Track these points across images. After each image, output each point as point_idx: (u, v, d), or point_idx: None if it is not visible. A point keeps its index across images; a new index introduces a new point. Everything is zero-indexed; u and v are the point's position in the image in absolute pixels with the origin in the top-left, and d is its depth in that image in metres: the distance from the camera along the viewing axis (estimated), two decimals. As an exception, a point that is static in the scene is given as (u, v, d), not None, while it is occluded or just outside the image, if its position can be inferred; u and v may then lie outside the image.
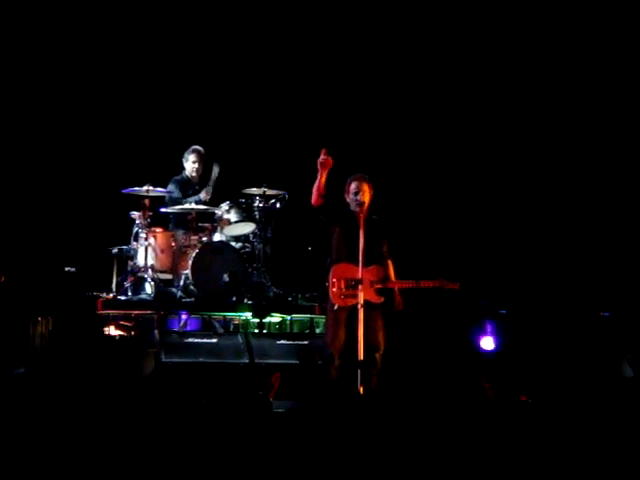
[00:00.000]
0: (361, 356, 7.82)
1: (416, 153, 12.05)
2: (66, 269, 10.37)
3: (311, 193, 8.17)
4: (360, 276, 7.92)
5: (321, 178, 8.09)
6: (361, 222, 7.99)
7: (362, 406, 7.19)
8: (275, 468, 5.67)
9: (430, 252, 11.25)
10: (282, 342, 9.55)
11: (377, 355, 8.04)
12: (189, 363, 9.11)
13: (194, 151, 10.84)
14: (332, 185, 8.29)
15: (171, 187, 10.73)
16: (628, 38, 11.63)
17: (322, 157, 8.07)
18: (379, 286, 8.07)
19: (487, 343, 9.43)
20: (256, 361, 9.22)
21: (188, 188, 10.78)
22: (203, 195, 10.61)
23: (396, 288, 8.16)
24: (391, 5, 12.00)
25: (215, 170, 10.69)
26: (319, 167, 8.07)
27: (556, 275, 11.29)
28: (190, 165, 10.85)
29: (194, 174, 10.85)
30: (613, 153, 11.75)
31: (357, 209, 8.14)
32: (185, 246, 10.39)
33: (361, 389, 7.71)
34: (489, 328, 9.48)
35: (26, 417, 6.37)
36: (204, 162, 10.87)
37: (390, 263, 8.28)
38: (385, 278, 8.13)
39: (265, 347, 9.43)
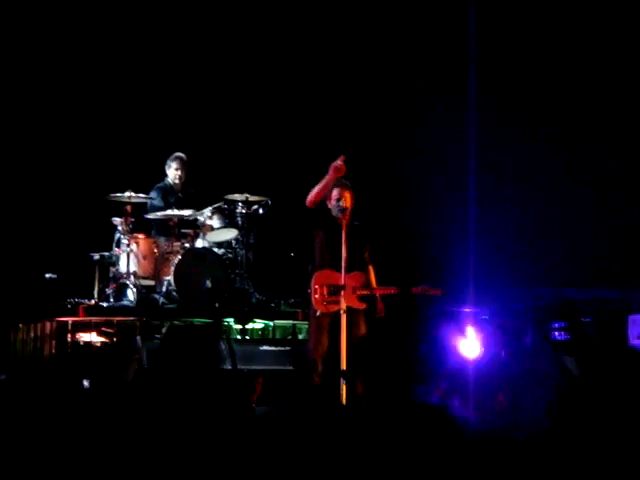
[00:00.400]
0: (344, 364, 7.83)
1: (396, 158, 12.08)
2: (47, 276, 10.34)
3: (301, 195, 8.17)
4: (343, 282, 7.94)
5: (329, 182, 8.07)
6: (343, 228, 8.01)
7: (345, 415, 7.19)
8: (257, 473, 5.67)
9: (412, 258, 11.27)
10: (265, 348, 9.55)
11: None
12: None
13: (176, 158, 10.84)
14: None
15: (153, 194, 10.73)
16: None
17: (339, 163, 8.02)
18: (361, 292, 8.09)
19: (470, 349, 9.40)
20: (239, 367, 9.21)
21: (170, 195, 10.78)
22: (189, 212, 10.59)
23: (378, 295, 8.18)
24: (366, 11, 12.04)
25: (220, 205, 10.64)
26: (331, 171, 8.00)
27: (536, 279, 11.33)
28: (172, 172, 10.84)
29: (177, 181, 10.85)
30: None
31: (339, 215, 8.15)
32: (167, 252, 10.38)
33: (344, 397, 7.71)
34: (472, 334, 9.48)
35: (7, 424, 6.35)
36: (187, 169, 10.88)
37: (371, 269, 8.31)
38: (367, 284, 8.15)
39: (248, 353, 9.43)
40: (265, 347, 9.56)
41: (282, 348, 9.53)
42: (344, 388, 7.77)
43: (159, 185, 10.83)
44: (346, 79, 12.13)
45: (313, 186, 8.15)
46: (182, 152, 10.89)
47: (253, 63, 12.16)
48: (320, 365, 8.07)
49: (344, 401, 7.72)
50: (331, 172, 8.00)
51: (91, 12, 11.65)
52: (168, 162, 10.86)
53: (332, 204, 8.23)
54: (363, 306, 8.10)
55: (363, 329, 8.11)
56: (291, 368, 9.09)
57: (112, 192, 10.36)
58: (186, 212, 10.47)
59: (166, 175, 10.88)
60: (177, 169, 10.82)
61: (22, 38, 11.48)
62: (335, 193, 8.23)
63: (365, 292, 8.10)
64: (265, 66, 12.18)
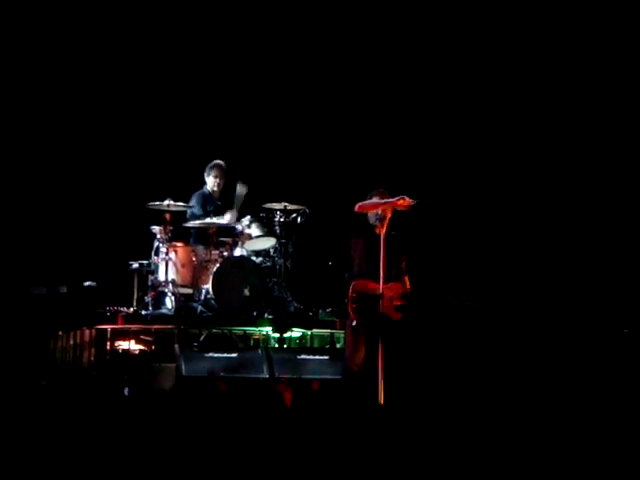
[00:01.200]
0: (380, 374, 7.78)
1: (436, 167, 12.03)
2: (86, 284, 10.40)
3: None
4: (381, 291, 7.92)
5: (388, 206, 8.06)
6: (382, 237, 7.98)
7: (382, 417, 7.18)
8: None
9: (449, 269, 11.21)
10: (303, 357, 9.55)
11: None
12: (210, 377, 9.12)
13: (215, 166, 10.85)
14: (351, 200, 8.32)
15: (192, 202, 10.75)
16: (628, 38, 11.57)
17: (408, 202, 8.00)
18: (398, 303, 8.06)
19: None
20: (276, 375, 9.22)
21: (209, 203, 10.79)
22: (228, 218, 10.59)
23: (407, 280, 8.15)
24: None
25: (241, 191, 10.69)
26: (397, 201, 8.01)
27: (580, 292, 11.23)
28: (212, 180, 10.85)
29: (215, 189, 10.86)
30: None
31: (377, 224, 8.13)
32: (206, 261, 10.40)
33: (382, 399, 7.66)
34: None
35: (48, 429, 6.39)
36: (226, 177, 10.89)
37: (407, 280, 8.26)
38: (404, 295, 8.12)
39: (285, 361, 9.44)
40: (303, 356, 9.56)
41: (320, 357, 9.53)
42: (382, 390, 7.71)
43: (198, 193, 10.85)
44: (384, 89, 12.10)
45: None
46: (221, 160, 10.90)
47: (293, 74, 12.16)
48: (357, 374, 8.05)
49: (382, 402, 7.67)
50: (397, 202, 7.98)
51: (127, 24, 11.71)
52: (207, 170, 10.88)
53: (371, 212, 8.23)
54: (399, 317, 8.07)
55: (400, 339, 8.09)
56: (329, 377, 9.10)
57: (151, 200, 10.40)
58: (224, 220, 10.49)
59: (205, 183, 10.90)
60: (216, 177, 10.84)
61: (61, 50, 11.57)
62: (375, 201, 8.25)
63: (401, 302, 8.08)
64: (305, 77, 12.18)
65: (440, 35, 11.95)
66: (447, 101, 12.02)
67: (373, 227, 8.15)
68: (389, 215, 8.14)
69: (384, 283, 7.92)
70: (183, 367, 9.18)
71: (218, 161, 10.89)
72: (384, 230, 8.04)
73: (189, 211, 10.73)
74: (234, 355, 9.42)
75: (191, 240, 10.73)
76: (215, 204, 10.83)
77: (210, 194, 10.88)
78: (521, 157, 11.89)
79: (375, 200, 8.12)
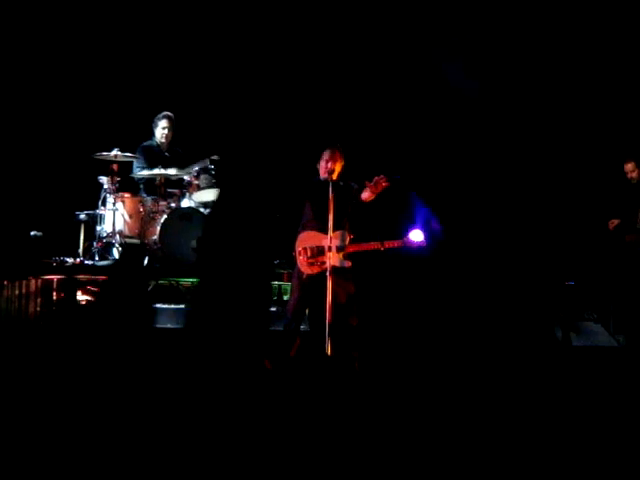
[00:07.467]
0: (328, 326, 7.80)
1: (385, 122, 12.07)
2: (32, 233, 10.33)
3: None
4: (328, 242, 7.96)
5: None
6: (330, 188, 8.02)
7: (330, 366, 7.25)
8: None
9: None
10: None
11: (352, 321, 8.08)
12: (157, 328, 9.12)
13: (164, 117, 10.80)
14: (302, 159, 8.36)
15: (137, 154, 10.69)
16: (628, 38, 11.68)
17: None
18: (345, 251, 8.13)
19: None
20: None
21: (155, 155, 10.73)
22: (174, 171, 10.54)
23: (362, 250, 8.18)
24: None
25: (206, 163, 10.65)
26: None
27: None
28: (159, 131, 10.80)
29: (163, 140, 10.81)
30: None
31: (326, 176, 8.20)
32: (153, 212, 10.38)
33: (329, 349, 7.71)
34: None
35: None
36: (174, 128, 10.84)
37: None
38: (351, 242, 8.17)
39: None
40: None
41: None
42: (329, 341, 7.74)
43: (144, 144, 10.80)
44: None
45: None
46: (170, 111, 10.84)
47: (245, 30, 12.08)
48: (296, 324, 8.13)
49: (329, 352, 7.71)
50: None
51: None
52: (155, 121, 10.82)
53: (321, 165, 8.32)
54: (349, 264, 8.12)
55: (351, 288, 8.14)
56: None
57: (99, 151, 10.33)
58: (171, 171, 10.46)
59: (153, 134, 10.85)
60: (164, 128, 10.79)
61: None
62: (325, 155, 8.32)
63: (348, 250, 8.13)
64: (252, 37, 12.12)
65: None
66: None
67: (322, 182, 8.20)
68: (336, 168, 8.22)
69: (333, 232, 7.97)
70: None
71: (167, 112, 10.84)
72: (333, 181, 8.10)
73: (135, 163, 10.67)
74: (182, 306, 9.44)
75: (140, 191, 10.68)
76: (162, 155, 10.77)
77: (158, 145, 10.82)
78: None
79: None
